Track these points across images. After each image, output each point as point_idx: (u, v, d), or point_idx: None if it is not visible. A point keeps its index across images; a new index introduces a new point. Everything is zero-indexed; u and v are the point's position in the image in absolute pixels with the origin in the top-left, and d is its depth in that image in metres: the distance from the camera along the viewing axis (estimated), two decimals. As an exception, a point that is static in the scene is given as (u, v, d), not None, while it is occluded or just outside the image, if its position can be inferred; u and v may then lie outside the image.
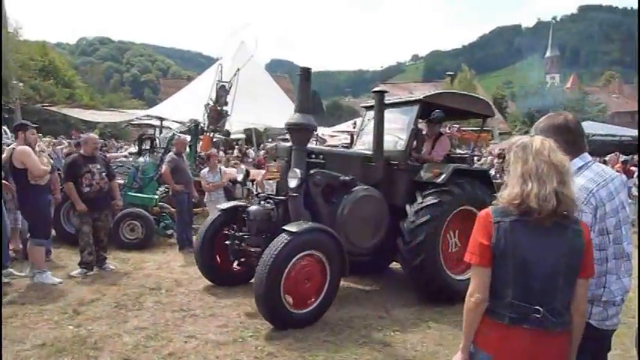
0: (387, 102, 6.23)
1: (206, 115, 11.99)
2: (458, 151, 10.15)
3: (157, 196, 8.51)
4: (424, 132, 6.74)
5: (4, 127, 8.49)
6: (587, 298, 2.13)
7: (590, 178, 2.29)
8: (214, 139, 12.21)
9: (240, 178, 7.99)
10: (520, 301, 1.99)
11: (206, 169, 8.64)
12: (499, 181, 4.87)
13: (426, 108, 6.10)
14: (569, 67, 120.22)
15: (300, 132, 5.22)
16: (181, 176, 7.92)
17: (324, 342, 4.35)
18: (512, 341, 2.01)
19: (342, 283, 5.48)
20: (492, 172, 9.46)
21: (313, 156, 5.49)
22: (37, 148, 6.05)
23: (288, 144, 5.46)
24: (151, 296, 5.38)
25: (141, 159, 9.34)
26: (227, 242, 5.45)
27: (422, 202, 5.53)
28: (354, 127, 7.19)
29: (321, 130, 20.74)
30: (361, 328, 4.74)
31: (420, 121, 6.51)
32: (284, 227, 4.62)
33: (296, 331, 4.50)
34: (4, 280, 5.56)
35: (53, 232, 6.81)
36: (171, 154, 8.26)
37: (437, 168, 5.82)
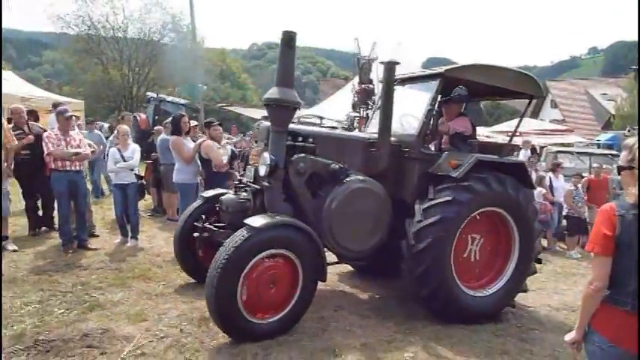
0: (401, 77, 5.32)
1: (355, 97, 12.68)
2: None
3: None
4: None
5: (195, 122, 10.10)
6: None
7: None
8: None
9: (225, 159, 7.02)
10: None
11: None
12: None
13: (450, 85, 5.02)
14: None
15: (278, 109, 4.31)
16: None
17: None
18: (633, 327, 2.16)
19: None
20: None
21: (300, 139, 4.67)
22: (221, 142, 7.30)
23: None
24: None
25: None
26: (195, 234, 4.85)
27: (432, 199, 4.58)
28: (371, 107, 6.27)
29: (478, 131, 20.17)
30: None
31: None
32: (245, 221, 3.93)
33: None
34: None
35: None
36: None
37: (456, 158, 4.79)
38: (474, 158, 4.68)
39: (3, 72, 18.44)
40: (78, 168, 6.48)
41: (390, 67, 4.77)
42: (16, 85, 15.11)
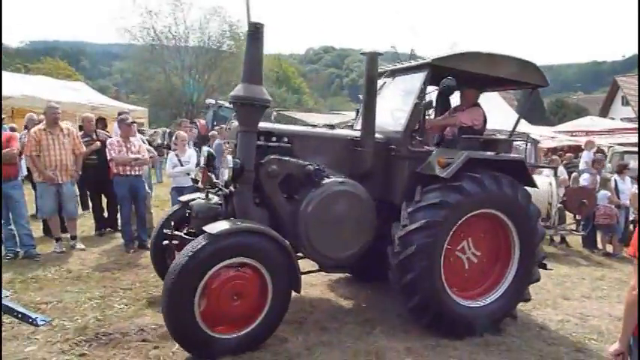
0: (389, 68, 5.04)
1: None
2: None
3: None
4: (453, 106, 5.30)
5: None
6: None
7: None
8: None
9: (201, 161, 6.09)
10: None
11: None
12: None
13: (443, 76, 4.42)
14: None
15: (245, 108, 3.96)
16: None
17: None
18: None
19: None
20: None
21: (274, 139, 4.36)
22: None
23: None
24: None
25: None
26: (165, 242, 4.48)
27: (419, 202, 4.20)
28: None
29: (539, 130, 19.38)
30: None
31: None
32: (204, 227, 3.63)
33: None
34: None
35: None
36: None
37: (445, 156, 4.35)
38: (465, 156, 4.29)
39: (75, 82, 19.82)
40: (138, 173, 6.87)
41: (372, 58, 4.40)
42: (86, 95, 16.16)
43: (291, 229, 4.17)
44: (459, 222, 4.29)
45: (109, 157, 6.67)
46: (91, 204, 7.96)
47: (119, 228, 7.45)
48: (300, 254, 4.40)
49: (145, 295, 5.04)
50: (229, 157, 4.04)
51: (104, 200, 7.88)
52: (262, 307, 3.76)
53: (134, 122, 7.31)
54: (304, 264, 4.47)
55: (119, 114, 9.32)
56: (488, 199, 4.35)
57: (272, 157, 4.17)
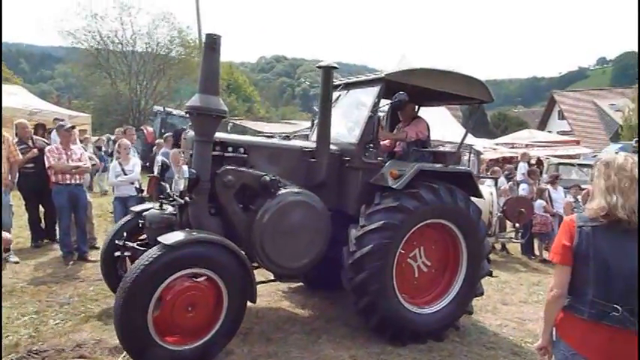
0: (344, 81, 5.26)
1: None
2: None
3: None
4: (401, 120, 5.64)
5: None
6: None
7: None
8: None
9: (155, 171, 6.16)
10: (600, 299, 2.21)
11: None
12: None
13: (395, 90, 4.49)
14: None
15: (201, 118, 3.95)
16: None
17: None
18: (592, 336, 2.24)
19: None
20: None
21: (230, 149, 4.36)
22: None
23: None
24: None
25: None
26: (117, 253, 4.50)
27: (378, 204, 4.34)
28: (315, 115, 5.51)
29: (482, 142, 20.21)
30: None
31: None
32: (158, 238, 3.60)
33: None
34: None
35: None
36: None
37: (397, 168, 4.49)
38: (416, 168, 4.45)
39: (12, 86, 18.84)
40: (78, 181, 6.60)
41: (328, 71, 4.48)
42: (24, 100, 15.39)
43: (246, 239, 4.18)
44: (414, 229, 4.43)
45: (47, 165, 6.38)
46: (27, 214, 7.56)
47: (57, 239, 7.12)
48: (254, 264, 4.38)
49: (83, 310, 4.84)
50: (185, 168, 4.01)
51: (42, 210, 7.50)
52: (217, 318, 3.75)
53: (73, 127, 7.03)
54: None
55: (54, 120, 8.94)
56: (443, 210, 4.51)
57: (228, 167, 4.19)
